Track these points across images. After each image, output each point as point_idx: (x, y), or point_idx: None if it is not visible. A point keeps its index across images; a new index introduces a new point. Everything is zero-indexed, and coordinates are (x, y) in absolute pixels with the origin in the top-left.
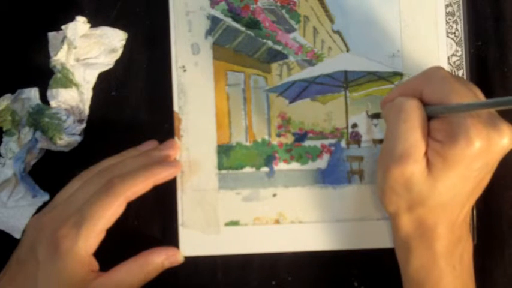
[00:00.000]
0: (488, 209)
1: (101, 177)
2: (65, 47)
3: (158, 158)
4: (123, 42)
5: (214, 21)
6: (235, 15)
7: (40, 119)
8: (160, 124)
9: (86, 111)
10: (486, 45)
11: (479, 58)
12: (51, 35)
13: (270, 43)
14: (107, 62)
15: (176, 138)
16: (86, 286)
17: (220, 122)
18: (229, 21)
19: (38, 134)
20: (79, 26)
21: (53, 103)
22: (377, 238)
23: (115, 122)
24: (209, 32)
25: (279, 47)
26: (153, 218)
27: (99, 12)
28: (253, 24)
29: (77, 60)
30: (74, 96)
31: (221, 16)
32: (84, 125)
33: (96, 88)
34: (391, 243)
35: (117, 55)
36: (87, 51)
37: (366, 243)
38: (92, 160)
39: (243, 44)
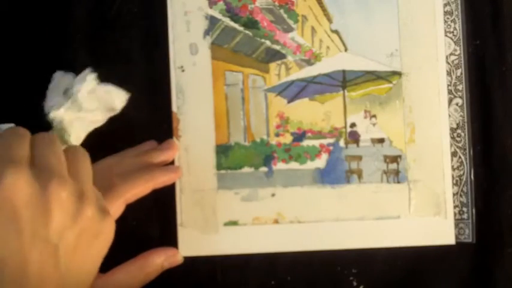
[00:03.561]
0: (488, 209)
1: (101, 178)
2: (69, 104)
3: (157, 159)
4: (123, 104)
5: (212, 21)
6: (233, 15)
7: None
8: (159, 124)
9: None
10: (484, 44)
11: (477, 57)
12: (58, 74)
13: (268, 43)
14: (102, 119)
15: (175, 138)
16: None
17: (219, 122)
18: (227, 21)
19: None
20: (89, 84)
21: None
22: (376, 237)
23: (113, 122)
24: (207, 32)
25: (277, 47)
26: (151, 218)
27: (97, 12)
28: (251, 24)
29: (74, 114)
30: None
31: (219, 16)
32: None
33: None
34: (390, 242)
35: (113, 114)
36: (86, 106)
37: (365, 242)
38: (92, 160)
39: (241, 43)
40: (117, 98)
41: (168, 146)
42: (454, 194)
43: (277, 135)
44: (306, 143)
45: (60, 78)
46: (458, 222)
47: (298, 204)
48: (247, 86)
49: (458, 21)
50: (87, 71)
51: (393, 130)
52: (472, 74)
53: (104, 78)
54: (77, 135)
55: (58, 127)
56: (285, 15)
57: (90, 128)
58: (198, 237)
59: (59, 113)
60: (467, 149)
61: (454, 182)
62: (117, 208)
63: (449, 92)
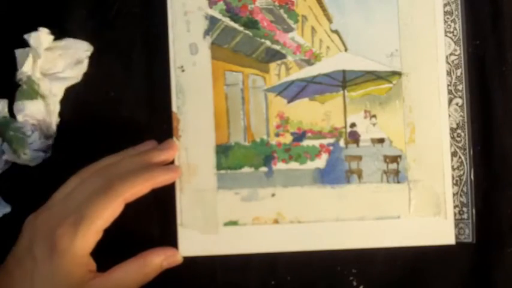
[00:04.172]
0: (488, 209)
1: (100, 177)
2: (30, 58)
3: (157, 159)
4: (88, 53)
5: (212, 21)
6: (233, 15)
7: (5, 131)
8: (159, 124)
9: (54, 126)
10: (484, 44)
11: (477, 57)
12: (19, 52)
13: (268, 43)
14: (74, 75)
15: (175, 138)
16: (83, 286)
17: (219, 122)
18: (227, 21)
19: (5, 146)
20: (42, 36)
21: (19, 117)
22: (376, 237)
23: (113, 122)
24: (207, 32)
25: (277, 47)
26: (151, 218)
27: (97, 12)
28: (251, 24)
29: (44, 74)
30: (41, 109)
31: (219, 16)
32: (51, 142)
33: (94, 88)
34: (390, 242)
35: (83, 67)
36: (53, 64)
37: (365, 242)
38: (91, 160)
39: (241, 43)
40: (79, 49)
41: (168, 146)
42: (454, 194)
43: (277, 135)
44: (306, 143)
45: (22, 52)
46: (458, 222)
47: (298, 204)
48: (247, 86)
49: (458, 21)
50: (41, 30)
51: (393, 130)
52: (472, 74)
53: (103, 77)
54: (49, 90)
55: (27, 83)
56: (285, 15)
57: (65, 84)
58: (198, 237)
59: (24, 68)
60: (467, 149)
61: (454, 182)
62: (116, 207)
63: (449, 92)
